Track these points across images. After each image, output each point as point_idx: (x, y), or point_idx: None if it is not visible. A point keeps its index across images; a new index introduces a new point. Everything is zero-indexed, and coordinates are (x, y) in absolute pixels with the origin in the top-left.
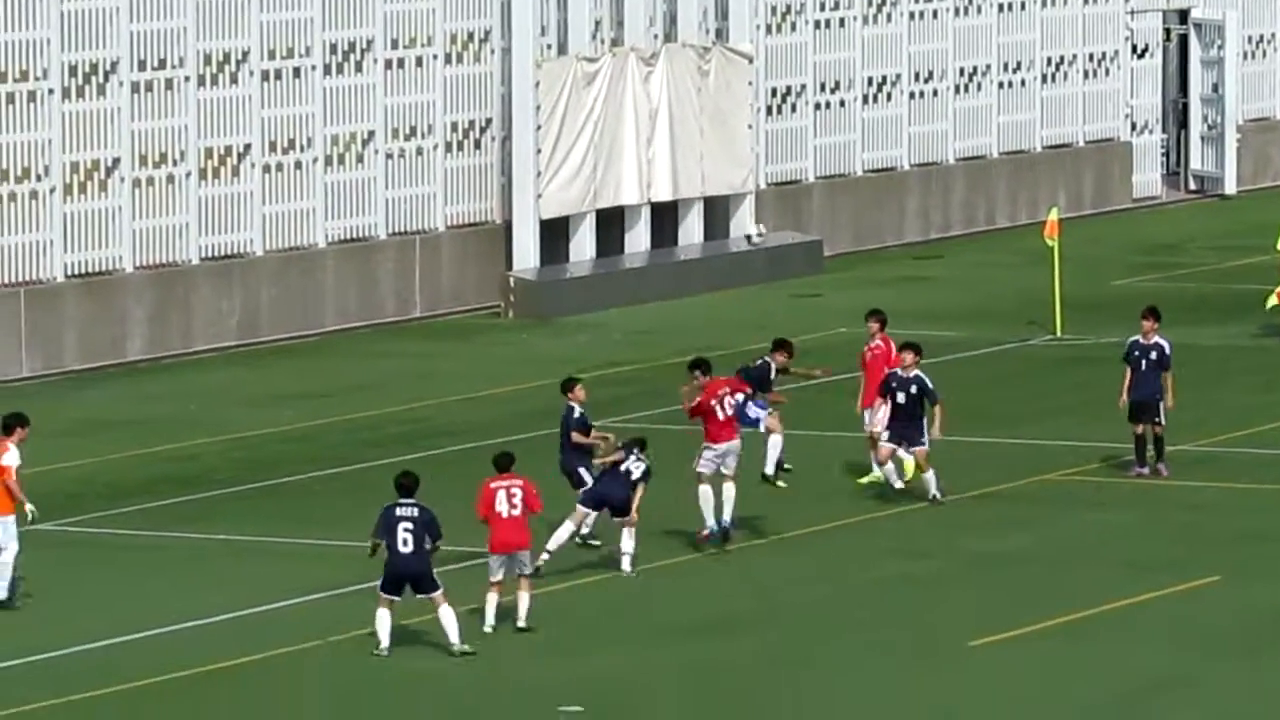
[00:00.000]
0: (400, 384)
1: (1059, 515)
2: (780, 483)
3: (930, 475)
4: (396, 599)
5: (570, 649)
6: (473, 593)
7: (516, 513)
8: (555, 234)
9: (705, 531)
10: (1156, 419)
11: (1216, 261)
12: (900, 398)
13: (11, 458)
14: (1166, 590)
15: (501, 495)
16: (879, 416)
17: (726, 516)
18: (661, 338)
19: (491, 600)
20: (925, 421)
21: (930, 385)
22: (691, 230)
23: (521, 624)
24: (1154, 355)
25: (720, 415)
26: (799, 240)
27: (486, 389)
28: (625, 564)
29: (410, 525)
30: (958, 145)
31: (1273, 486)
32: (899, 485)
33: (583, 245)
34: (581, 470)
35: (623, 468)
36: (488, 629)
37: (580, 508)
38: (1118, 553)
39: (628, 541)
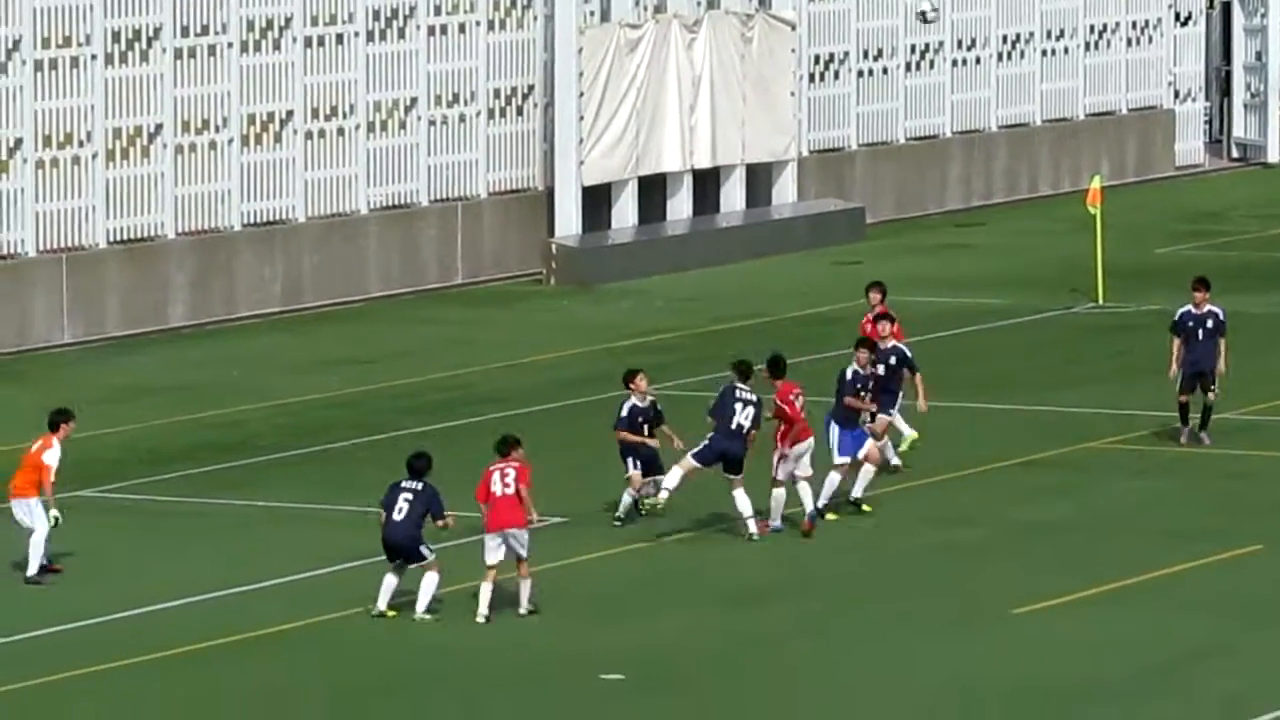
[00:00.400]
0: (442, 351)
1: (1101, 483)
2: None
3: (886, 443)
4: (398, 565)
5: (611, 618)
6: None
7: (509, 491)
8: (597, 201)
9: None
10: (1212, 386)
11: (1259, 229)
12: (879, 369)
13: (52, 456)
14: (1207, 559)
15: (496, 476)
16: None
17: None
18: (703, 305)
19: (485, 589)
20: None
21: (910, 355)
22: (734, 197)
23: (524, 610)
24: (1210, 324)
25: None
26: (841, 207)
27: (528, 356)
28: (751, 526)
29: (410, 497)
30: (1000, 113)
31: None
32: (895, 460)
33: (625, 212)
34: (629, 460)
35: (733, 424)
36: (480, 619)
37: (691, 460)
38: (1159, 521)
39: (744, 503)
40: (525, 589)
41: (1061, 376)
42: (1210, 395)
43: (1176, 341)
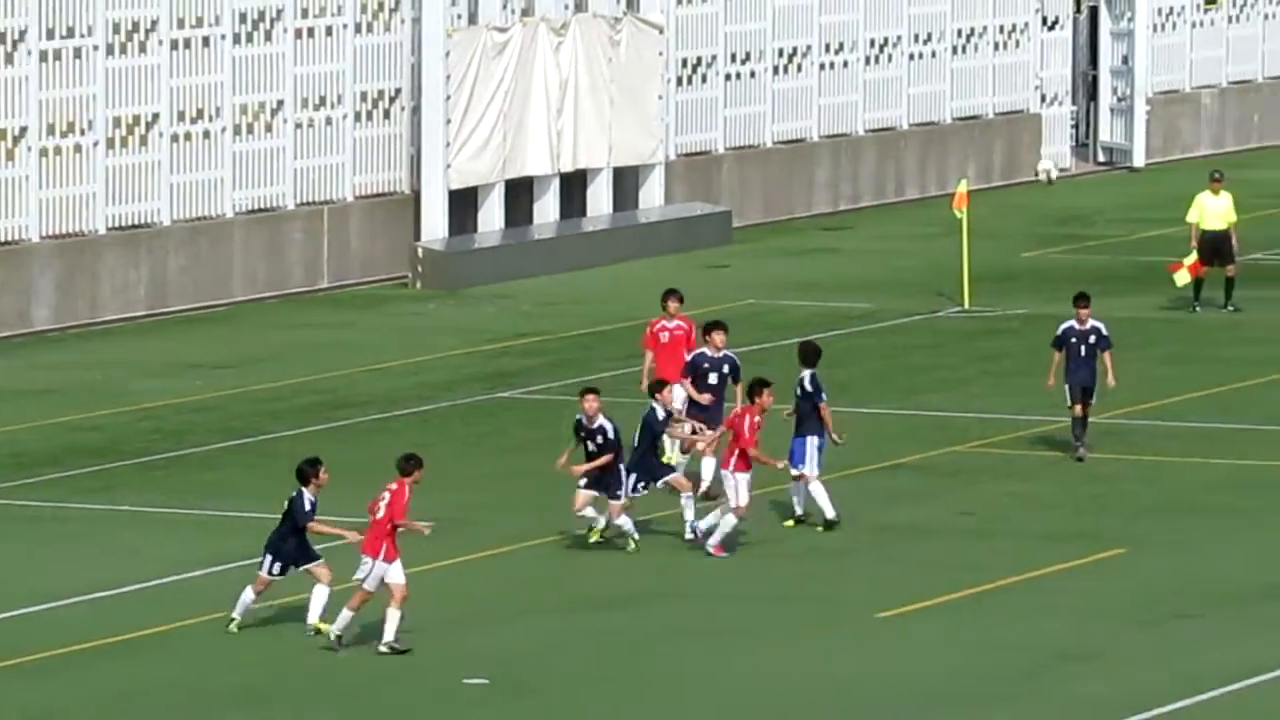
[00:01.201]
0: (308, 354)
1: (967, 487)
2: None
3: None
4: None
5: (477, 622)
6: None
7: (378, 516)
8: (464, 204)
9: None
10: (1091, 401)
11: (1125, 234)
12: (712, 379)
13: None
14: (1072, 562)
15: (383, 496)
16: (677, 395)
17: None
18: (570, 308)
19: (345, 612)
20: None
21: (739, 364)
22: (601, 201)
23: (383, 647)
24: (1092, 340)
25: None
26: (708, 211)
27: (394, 360)
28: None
29: (286, 504)
30: (868, 116)
31: (1178, 459)
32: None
33: (491, 216)
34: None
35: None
36: (332, 637)
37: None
38: (1025, 524)
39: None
40: (391, 621)
41: (928, 380)
42: (1087, 409)
43: (1058, 355)
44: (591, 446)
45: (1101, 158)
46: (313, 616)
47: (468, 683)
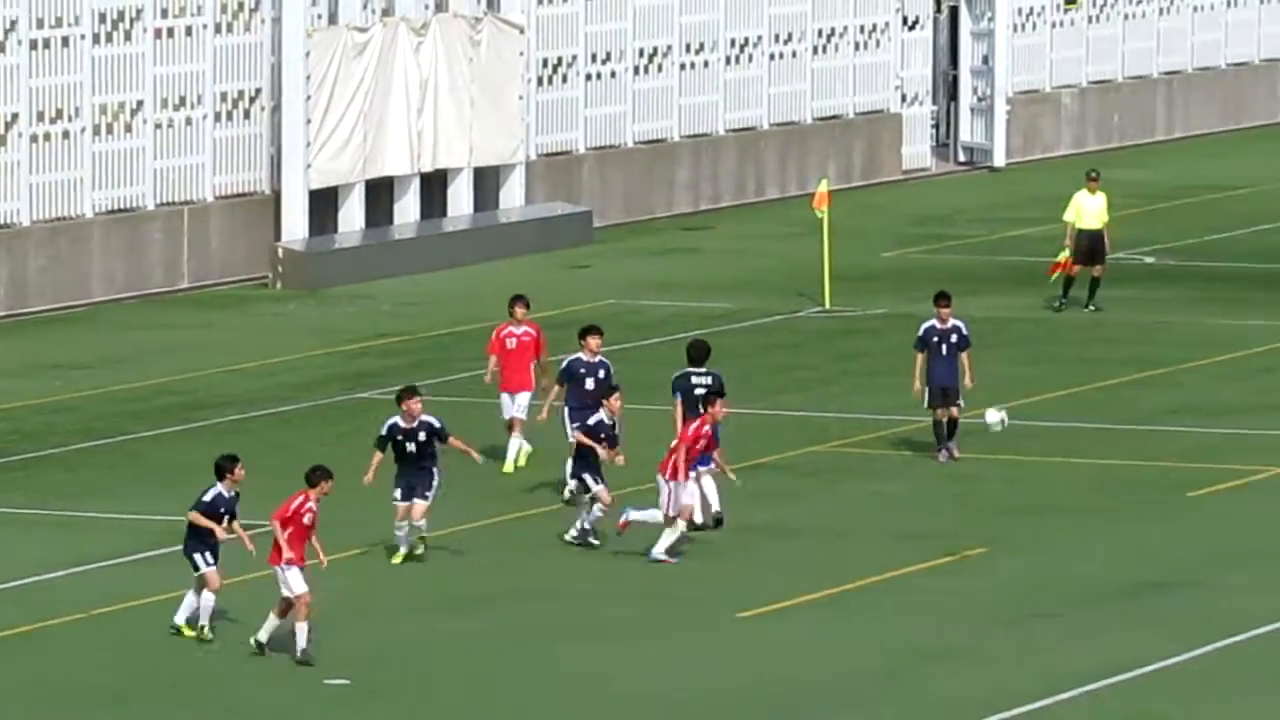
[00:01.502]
0: (167, 355)
1: (829, 486)
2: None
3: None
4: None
5: (339, 623)
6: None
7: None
8: (324, 204)
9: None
10: (957, 401)
11: (986, 233)
12: (589, 384)
13: None
14: (934, 562)
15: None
16: (517, 402)
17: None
18: (430, 309)
19: (271, 618)
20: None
21: (613, 369)
22: (461, 201)
23: (299, 655)
24: (954, 339)
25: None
26: (569, 211)
27: (254, 360)
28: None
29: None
30: (728, 116)
31: (1038, 458)
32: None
33: (352, 216)
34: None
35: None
36: (254, 641)
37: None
38: (886, 524)
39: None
40: (301, 633)
41: (788, 380)
42: (955, 410)
43: (920, 356)
44: (411, 447)
45: (962, 157)
46: (180, 616)
47: (329, 683)
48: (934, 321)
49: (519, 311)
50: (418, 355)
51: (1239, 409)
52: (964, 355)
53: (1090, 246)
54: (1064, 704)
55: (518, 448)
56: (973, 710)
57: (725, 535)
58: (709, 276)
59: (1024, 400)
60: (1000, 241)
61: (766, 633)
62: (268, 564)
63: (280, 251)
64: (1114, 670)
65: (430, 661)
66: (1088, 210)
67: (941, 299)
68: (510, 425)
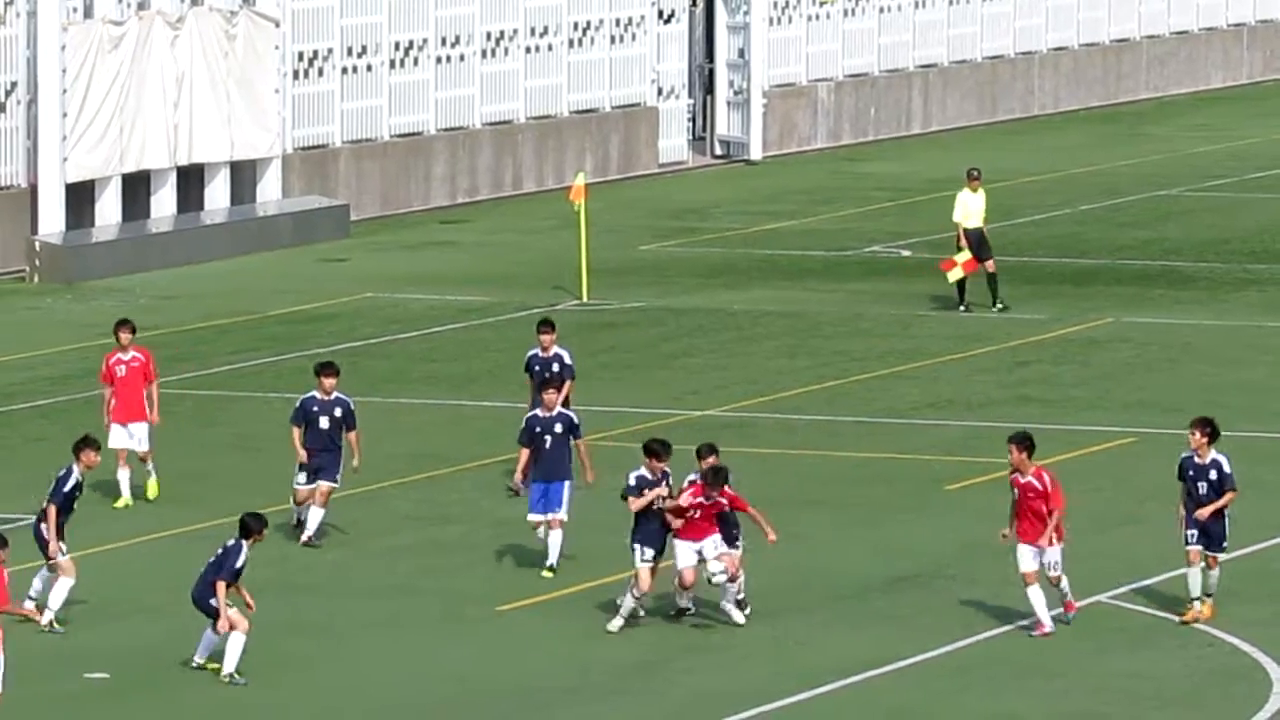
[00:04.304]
0: None
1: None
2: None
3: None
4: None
5: (95, 618)
6: None
7: None
8: (81, 198)
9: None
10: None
11: (742, 226)
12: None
13: None
14: None
15: None
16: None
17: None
18: (187, 302)
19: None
20: None
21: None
22: (218, 194)
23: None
24: (555, 367)
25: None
26: (326, 205)
27: (10, 354)
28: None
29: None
30: (485, 110)
31: (797, 452)
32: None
33: (109, 209)
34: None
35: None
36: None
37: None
38: None
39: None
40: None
41: None
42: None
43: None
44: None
45: (718, 151)
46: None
47: (88, 678)
48: (537, 350)
49: (124, 337)
50: (175, 348)
51: (995, 402)
52: (569, 385)
53: (976, 244)
54: (822, 698)
55: (130, 479)
56: (730, 704)
57: (483, 529)
58: (466, 270)
59: (782, 394)
60: (757, 234)
61: (526, 626)
62: None
63: (37, 245)
64: (872, 664)
65: (187, 655)
66: (972, 209)
67: (543, 327)
68: (120, 456)
